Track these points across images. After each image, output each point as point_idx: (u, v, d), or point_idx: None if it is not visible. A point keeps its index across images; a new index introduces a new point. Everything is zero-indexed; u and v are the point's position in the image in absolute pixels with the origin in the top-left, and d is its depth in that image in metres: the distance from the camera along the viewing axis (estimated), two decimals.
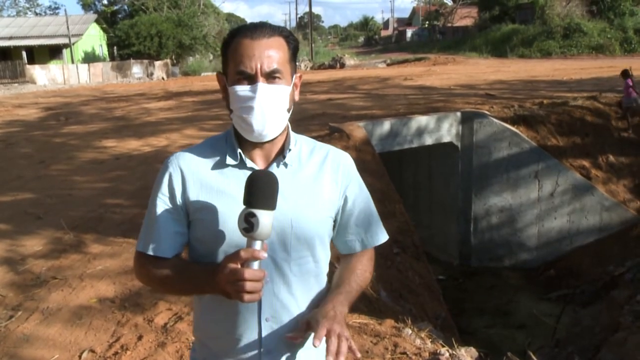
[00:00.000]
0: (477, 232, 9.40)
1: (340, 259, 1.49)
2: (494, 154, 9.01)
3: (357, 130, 7.51)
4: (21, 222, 5.26)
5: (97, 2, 43.06)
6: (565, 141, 9.37)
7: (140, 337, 3.24)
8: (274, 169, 1.33)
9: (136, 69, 29.47)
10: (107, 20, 37.84)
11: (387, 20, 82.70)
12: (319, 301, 1.36)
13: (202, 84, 20.16)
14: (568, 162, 9.16)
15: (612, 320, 6.16)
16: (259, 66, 1.25)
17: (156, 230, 1.33)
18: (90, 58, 32.90)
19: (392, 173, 7.53)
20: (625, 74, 9.81)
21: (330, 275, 1.45)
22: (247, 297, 1.15)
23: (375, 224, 1.47)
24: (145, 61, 30.13)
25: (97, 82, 27.38)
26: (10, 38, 30.75)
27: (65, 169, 7.46)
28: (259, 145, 1.33)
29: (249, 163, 1.33)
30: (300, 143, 1.40)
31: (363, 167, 6.30)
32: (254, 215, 1.16)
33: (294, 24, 70.47)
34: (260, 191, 1.18)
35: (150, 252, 1.33)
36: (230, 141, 1.35)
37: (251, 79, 1.26)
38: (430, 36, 50.30)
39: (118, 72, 29.32)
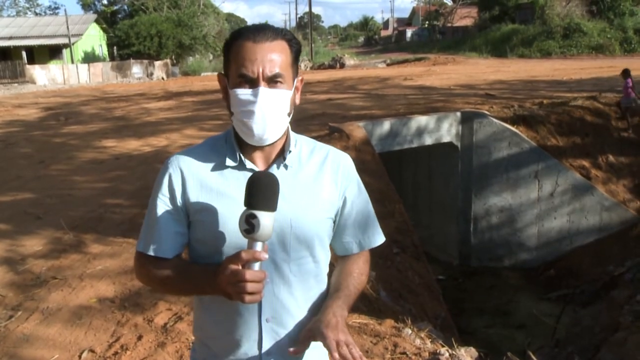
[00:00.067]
0: (476, 232, 9.40)
1: (337, 260, 1.49)
2: (494, 154, 9.01)
3: (357, 130, 7.51)
4: (21, 222, 5.26)
5: (97, 2, 43.10)
6: (565, 141, 9.37)
7: (140, 337, 3.24)
8: (274, 170, 1.33)
9: (136, 69, 29.47)
10: (107, 20, 37.84)
11: (387, 20, 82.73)
12: (320, 302, 1.36)
13: (202, 84, 20.16)
14: (568, 162, 9.16)
15: (612, 320, 6.16)
16: (260, 70, 1.24)
17: (157, 230, 1.33)
18: (90, 58, 32.91)
19: (391, 173, 7.53)
20: (626, 73, 9.80)
21: (330, 275, 1.45)
22: (248, 298, 1.16)
23: (373, 226, 1.47)
24: (145, 61, 30.14)
25: (97, 82, 27.38)
26: (10, 38, 30.75)
27: (65, 169, 7.46)
28: (259, 146, 1.33)
29: (248, 164, 1.33)
30: (301, 144, 1.40)
31: (363, 167, 6.31)
32: (254, 216, 1.16)
33: (293, 24, 70.53)
34: (261, 193, 1.18)
35: (151, 253, 1.33)
36: (230, 142, 1.35)
37: (253, 83, 1.25)
38: (430, 36, 50.32)
39: (118, 72, 29.32)
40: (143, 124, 10.65)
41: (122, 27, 31.84)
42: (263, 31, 1.27)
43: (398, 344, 3.33)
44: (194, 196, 1.32)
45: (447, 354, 3.26)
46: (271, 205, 1.18)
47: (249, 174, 1.24)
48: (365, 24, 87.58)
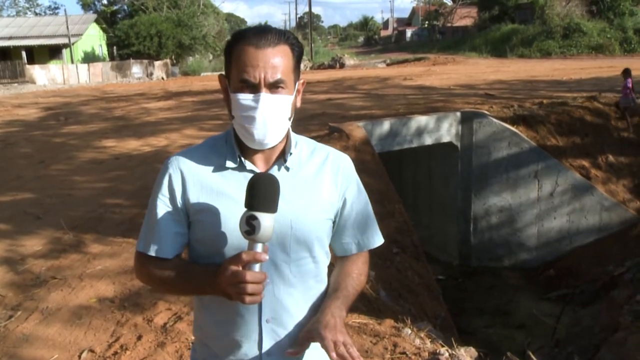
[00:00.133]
0: (476, 232, 9.41)
1: (336, 261, 1.49)
2: (494, 154, 9.01)
3: (357, 130, 7.51)
4: (21, 222, 5.26)
5: (96, 2, 43.06)
6: (565, 141, 9.37)
7: (139, 337, 3.24)
8: (274, 171, 1.33)
9: (136, 69, 29.47)
10: (106, 20, 37.84)
11: (387, 20, 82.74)
12: (320, 302, 1.36)
13: (201, 84, 20.16)
14: (568, 162, 9.16)
15: (611, 320, 6.16)
16: (262, 76, 1.24)
17: (157, 231, 1.33)
18: (90, 58, 32.90)
19: (391, 173, 7.53)
20: (626, 73, 9.79)
21: (329, 276, 1.46)
22: (248, 299, 1.16)
23: (372, 227, 1.47)
24: (145, 61, 30.14)
25: (96, 82, 27.38)
26: (10, 38, 30.75)
27: (65, 169, 7.46)
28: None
29: (248, 165, 1.33)
30: (301, 145, 1.40)
31: (362, 167, 6.30)
32: (255, 218, 1.16)
33: (293, 23, 70.58)
34: (262, 194, 1.18)
35: (151, 253, 1.33)
36: (230, 143, 1.35)
37: (254, 88, 1.25)
38: (430, 36, 50.33)
39: (118, 72, 29.32)
40: (143, 124, 10.65)
41: (122, 27, 31.85)
42: (265, 35, 1.26)
43: (398, 343, 3.33)
44: (194, 196, 1.32)
45: (446, 354, 3.26)
46: (272, 207, 1.18)
47: (250, 175, 1.25)
48: (365, 24, 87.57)
